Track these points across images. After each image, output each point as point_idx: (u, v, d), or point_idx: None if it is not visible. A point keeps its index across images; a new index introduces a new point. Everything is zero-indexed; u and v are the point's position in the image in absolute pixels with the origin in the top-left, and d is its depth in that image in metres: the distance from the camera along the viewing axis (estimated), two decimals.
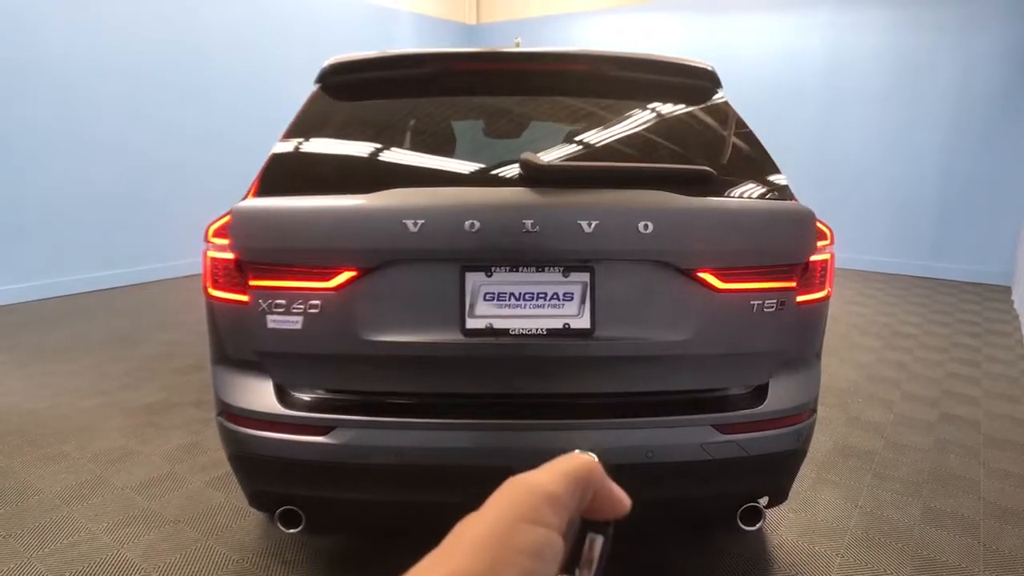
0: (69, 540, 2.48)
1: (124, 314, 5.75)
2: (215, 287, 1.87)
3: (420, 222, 1.73)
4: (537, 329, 1.80)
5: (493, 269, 1.80)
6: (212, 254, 1.87)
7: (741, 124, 2.16)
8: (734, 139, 2.12)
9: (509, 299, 1.81)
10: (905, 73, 7.49)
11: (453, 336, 1.80)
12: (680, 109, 2.21)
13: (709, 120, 2.19)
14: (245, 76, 7.47)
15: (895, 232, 7.82)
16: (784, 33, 8.17)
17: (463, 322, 1.80)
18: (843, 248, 7.86)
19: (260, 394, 1.87)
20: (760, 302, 1.84)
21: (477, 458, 1.83)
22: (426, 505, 2.02)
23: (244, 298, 1.82)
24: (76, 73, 6.09)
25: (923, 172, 7.55)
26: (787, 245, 1.86)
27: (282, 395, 1.88)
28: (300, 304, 1.79)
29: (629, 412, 1.86)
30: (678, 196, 1.83)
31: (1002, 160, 7.09)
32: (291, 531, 2.00)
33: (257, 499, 2.04)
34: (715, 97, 2.24)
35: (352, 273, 1.78)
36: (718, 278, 1.82)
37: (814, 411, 2.02)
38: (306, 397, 1.90)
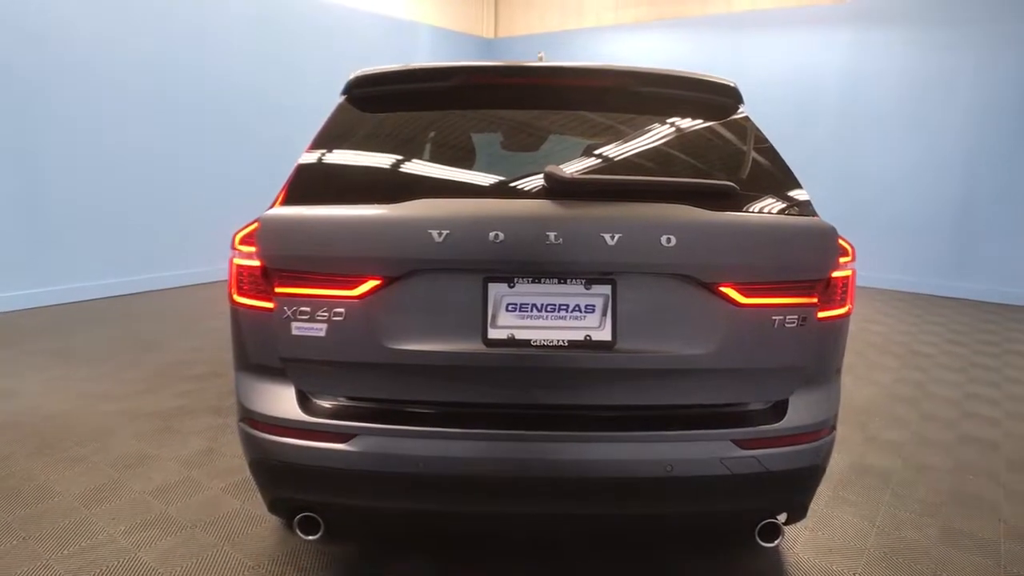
0: (88, 543, 2.50)
1: (143, 320, 5.81)
2: (240, 294, 1.89)
3: (445, 232, 1.75)
4: (558, 340, 1.81)
5: (516, 280, 1.82)
6: (238, 261, 1.89)
7: (762, 140, 2.17)
8: (756, 155, 2.13)
9: (531, 310, 1.82)
10: (927, 91, 7.46)
11: (475, 346, 1.81)
12: (702, 124, 2.23)
13: (731, 136, 2.20)
14: (267, 87, 7.58)
15: (916, 251, 7.77)
16: (805, 50, 8.18)
17: (485, 332, 1.81)
18: (863, 266, 7.78)
19: (282, 401, 1.89)
20: (781, 317, 1.83)
21: (496, 468, 1.83)
22: (445, 514, 2.03)
23: (269, 305, 1.84)
24: (96, 81, 6.20)
25: (944, 191, 7.51)
26: (809, 261, 1.86)
27: (304, 402, 1.89)
28: (324, 312, 1.80)
29: (649, 425, 1.86)
30: (701, 210, 1.84)
31: None
32: (309, 538, 2.01)
33: (276, 505, 2.05)
34: (737, 113, 2.25)
35: (376, 282, 1.80)
36: (740, 293, 1.82)
37: (834, 428, 2.01)
38: (328, 404, 1.91)
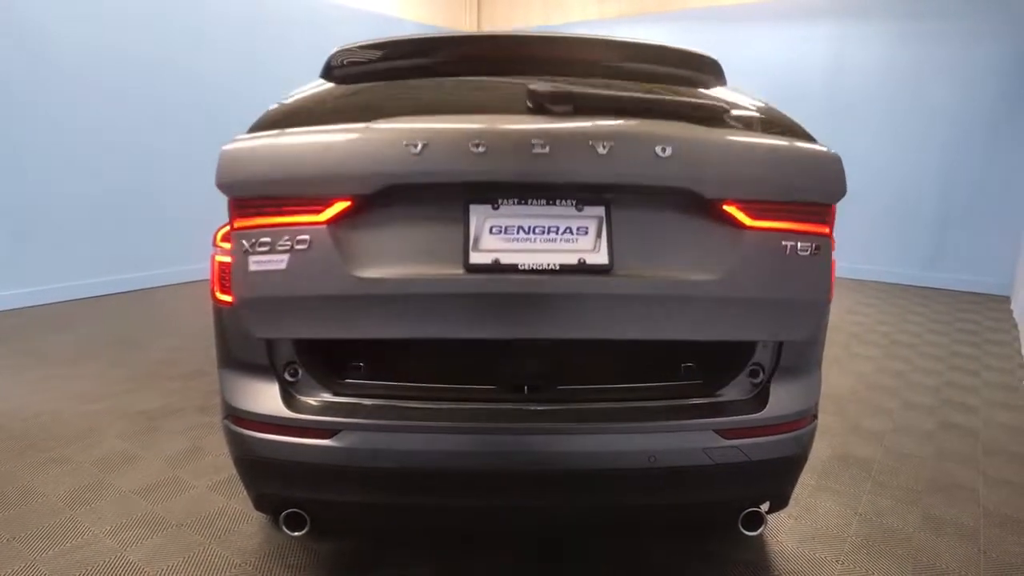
0: (73, 543, 2.49)
1: (126, 319, 5.77)
2: (222, 291, 1.88)
3: (422, 144, 1.62)
4: (549, 264, 1.67)
5: (500, 201, 1.70)
6: (219, 258, 1.88)
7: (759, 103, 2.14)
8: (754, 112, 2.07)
9: (518, 232, 1.69)
10: (906, 85, 7.53)
11: (454, 272, 1.67)
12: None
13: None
14: (246, 85, 7.50)
15: (894, 242, 7.85)
16: (786, 45, 8.22)
17: (466, 257, 1.67)
18: (843, 258, 7.89)
19: (266, 397, 1.88)
20: (794, 243, 1.72)
21: (483, 462, 1.84)
22: (431, 509, 2.03)
23: None
24: (78, 80, 6.13)
25: (923, 183, 7.58)
26: (818, 182, 1.74)
27: (288, 398, 1.89)
28: (287, 241, 1.67)
29: (631, 416, 1.87)
30: (697, 126, 1.77)
31: (1001, 171, 7.13)
32: (295, 534, 2.01)
33: (262, 502, 2.05)
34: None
35: (346, 203, 1.67)
36: (746, 213, 1.71)
37: (815, 417, 2.03)
38: (312, 401, 1.91)
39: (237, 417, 1.92)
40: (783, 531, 2.64)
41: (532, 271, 1.66)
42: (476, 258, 1.67)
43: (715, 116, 1.84)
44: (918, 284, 7.73)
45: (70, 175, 6.18)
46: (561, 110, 1.77)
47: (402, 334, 1.75)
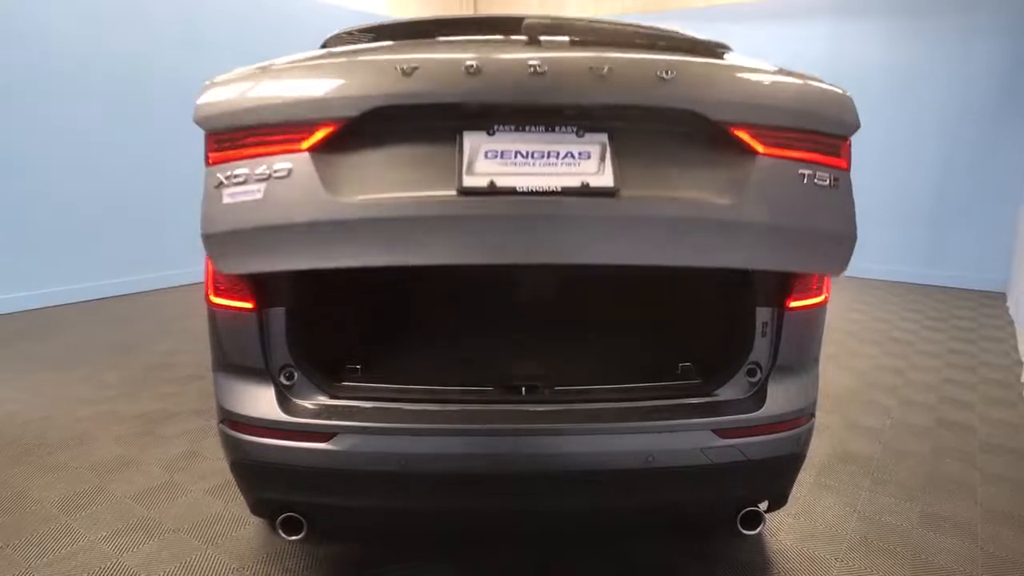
0: (68, 549, 2.47)
1: (121, 323, 5.74)
2: (217, 294, 1.88)
3: (413, 67, 1.55)
4: (550, 187, 1.57)
5: (496, 128, 1.62)
6: None
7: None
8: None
9: (515, 157, 1.61)
10: (903, 82, 7.54)
11: (446, 193, 1.57)
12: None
13: None
14: None
15: (891, 240, 7.85)
16: (784, 43, 8.22)
17: (460, 180, 1.57)
18: None
19: (262, 401, 1.87)
20: (811, 173, 1.64)
21: (480, 464, 1.83)
22: (429, 512, 2.03)
23: (247, 305, 1.82)
24: (74, 83, 6.11)
25: (919, 180, 7.60)
26: (829, 113, 1.69)
27: (284, 402, 1.88)
28: (264, 171, 1.58)
29: (629, 417, 1.87)
30: (699, 58, 1.75)
31: (997, 169, 7.14)
32: (292, 538, 1.99)
33: (258, 506, 2.04)
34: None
35: (328, 129, 1.58)
36: (757, 140, 1.64)
37: (812, 415, 2.03)
38: (308, 404, 1.90)
39: (233, 421, 1.91)
40: (782, 529, 2.63)
41: (531, 193, 1.57)
42: (470, 181, 1.58)
43: (717, 54, 1.82)
44: (914, 281, 7.74)
45: (67, 178, 6.15)
46: (557, 42, 1.73)
47: (386, 261, 1.62)
